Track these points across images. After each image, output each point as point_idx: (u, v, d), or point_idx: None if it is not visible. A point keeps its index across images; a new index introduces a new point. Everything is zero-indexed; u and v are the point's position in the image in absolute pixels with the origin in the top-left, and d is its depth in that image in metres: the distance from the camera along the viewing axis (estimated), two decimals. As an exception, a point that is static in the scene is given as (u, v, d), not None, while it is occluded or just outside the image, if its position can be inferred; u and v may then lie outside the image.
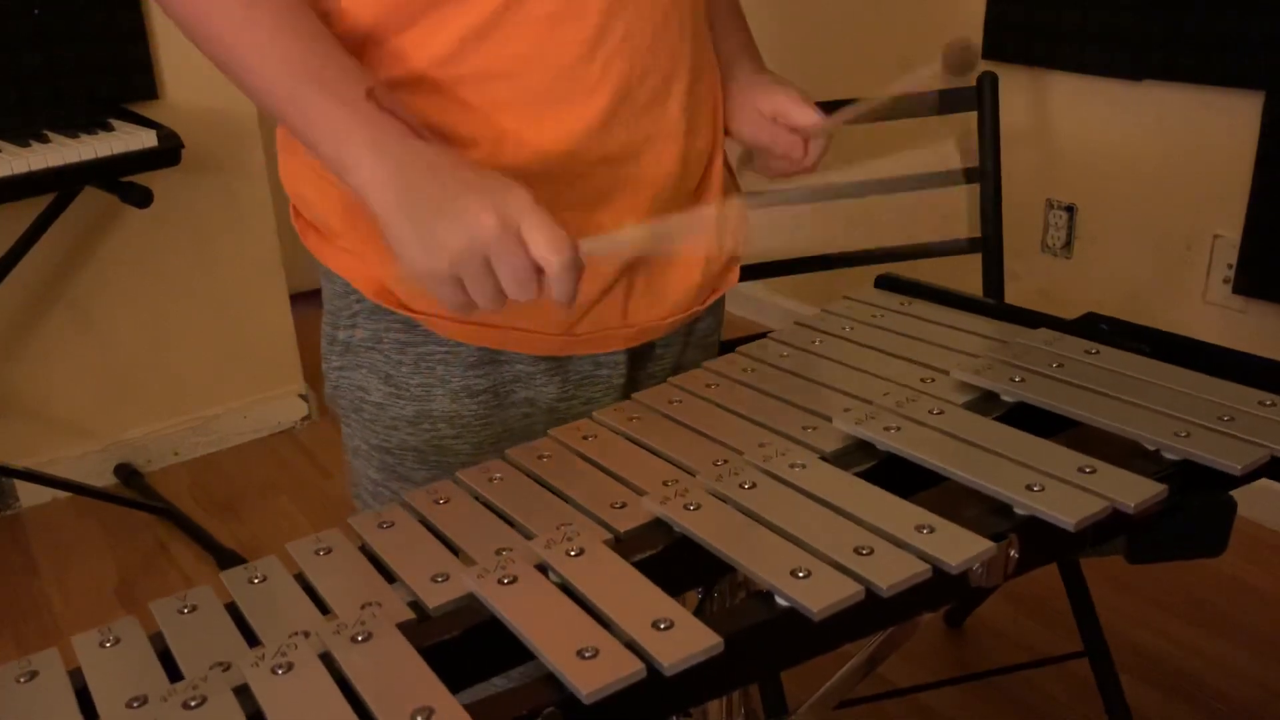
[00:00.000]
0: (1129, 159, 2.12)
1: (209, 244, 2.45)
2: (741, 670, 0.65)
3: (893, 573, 0.62)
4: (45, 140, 1.93)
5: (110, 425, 2.43)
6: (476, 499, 0.76)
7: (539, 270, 0.70)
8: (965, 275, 1.58)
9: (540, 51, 0.79)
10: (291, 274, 2.58)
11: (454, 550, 0.70)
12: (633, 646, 0.57)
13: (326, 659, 0.59)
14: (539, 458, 0.80)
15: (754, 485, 0.73)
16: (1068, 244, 2.26)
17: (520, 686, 0.57)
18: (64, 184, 1.98)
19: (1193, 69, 1.96)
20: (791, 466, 0.75)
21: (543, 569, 0.66)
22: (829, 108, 0.95)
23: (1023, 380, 0.85)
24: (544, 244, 0.69)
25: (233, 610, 0.66)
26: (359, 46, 0.81)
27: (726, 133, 0.98)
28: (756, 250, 0.86)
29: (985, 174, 1.58)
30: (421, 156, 0.73)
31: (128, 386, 2.43)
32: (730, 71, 0.97)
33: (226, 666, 0.59)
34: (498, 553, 0.67)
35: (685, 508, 0.71)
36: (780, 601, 0.62)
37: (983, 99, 1.56)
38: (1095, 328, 0.93)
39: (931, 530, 0.66)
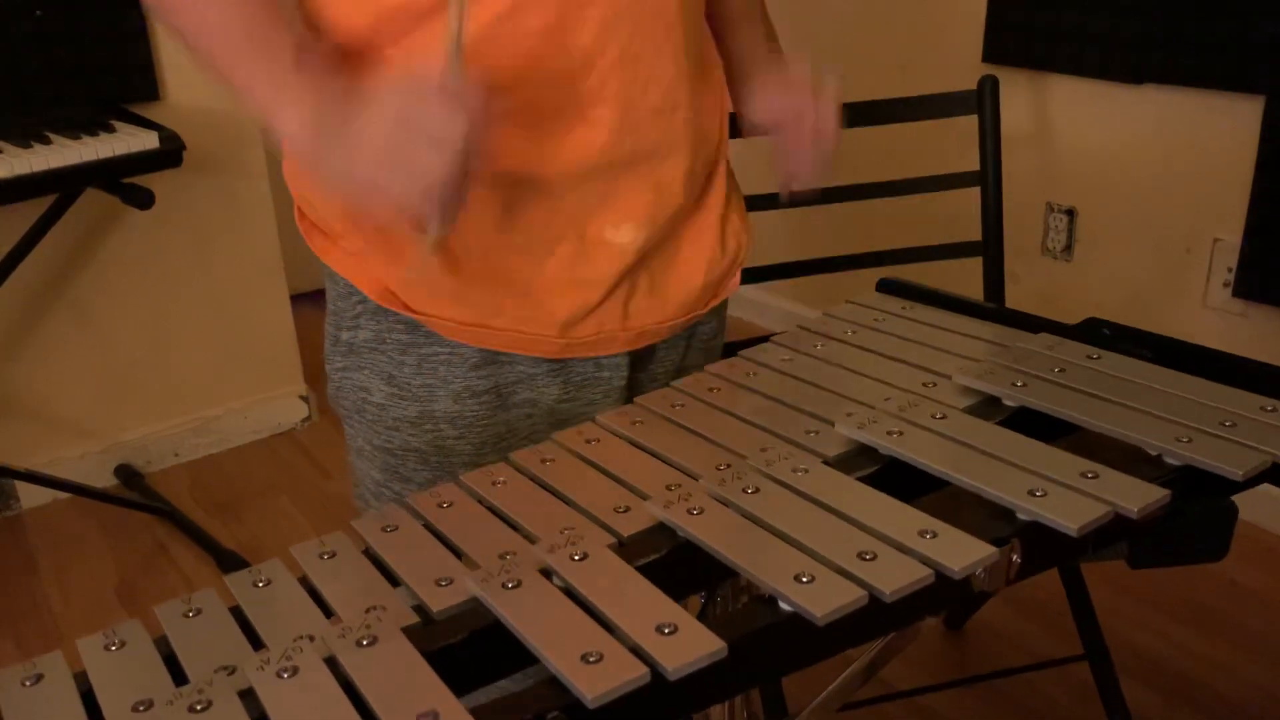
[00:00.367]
0: (1129, 162, 2.12)
1: (210, 245, 2.45)
2: (745, 675, 0.65)
3: (896, 578, 0.62)
4: (47, 141, 1.93)
5: (111, 426, 2.43)
6: (480, 502, 0.76)
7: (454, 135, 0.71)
8: (966, 278, 1.59)
9: (536, 64, 0.79)
10: (292, 275, 2.58)
11: (458, 554, 0.70)
12: (637, 651, 0.57)
13: (331, 663, 0.59)
14: (542, 461, 0.80)
15: (757, 490, 0.73)
16: (1068, 247, 2.27)
17: (524, 690, 0.57)
18: (65, 185, 1.97)
19: (1193, 73, 1.96)
20: (794, 471, 0.75)
21: (547, 573, 0.66)
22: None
23: (1025, 385, 0.85)
24: (442, 116, 0.70)
25: (237, 614, 0.66)
26: (350, 59, 0.81)
27: (735, 128, 0.98)
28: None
29: (986, 177, 1.58)
30: (334, 89, 0.76)
31: (128, 387, 2.44)
32: (752, 63, 0.99)
33: (231, 670, 0.59)
34: (502, 556, 0.68)
35: (688, 512, 0.71)
36: (784, 606, 0.62)
37: (983, 102, 1.57)
38: (1097, 332, 0.94)
39: (934, 535, 0.66)
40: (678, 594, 0.63)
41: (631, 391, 0.95)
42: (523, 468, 0.80)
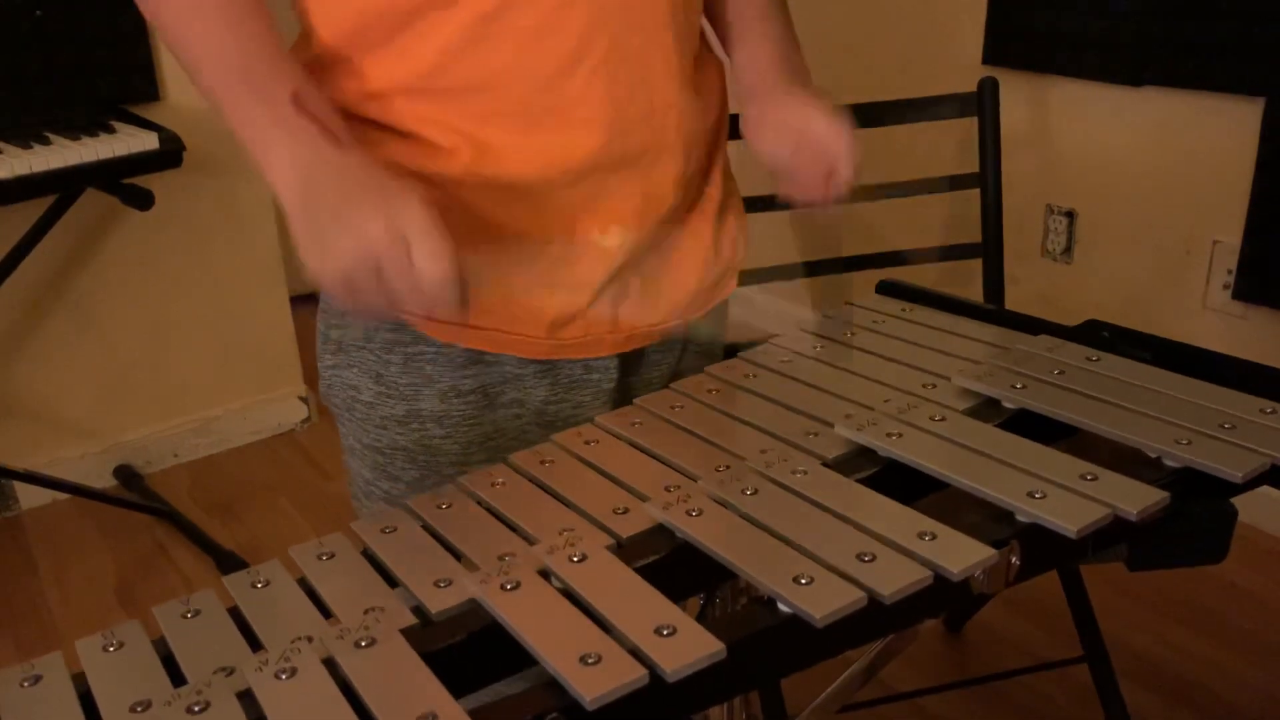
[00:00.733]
0: (1129, 164, 2.12)
1: (210, 246, 2.45)
2: (744, 677, 0.65)
3: (895, 579, 0.62)
4: (46, 142, 1.93)
5: (110, 426, 2.43)
6: (479, 504, 0.76)
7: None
8: (966, 280, 1.59)
9: (521, 65, 0.79)
10: (292, 275, 2.58)
11: (457, 555, 0.70)
12: (635, 653, 0.57)
13: (330, 664, 0.59)
14: (541, 462, 0.80)
15: (756, 491, 0.73)
16: (1068, 249, 2.27)
17: (523, 692, 0.57)
18: (65, 186, 1.97)
19: (1193, 75, 1.96)
20: (793, 472, 0.75)
21: (545, 574, 0.66)
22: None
23: (1024, 387, 0.85)
24: (425, 257, 0.70)
25: (235, 615, 0.66)
26: (335, 61, 0.81)
27: (734, 129, 0.96)
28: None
29: (986, 179, 1.58)
30: (331, 163, 0.74)
31: (128, 388, 2.43)
32: (759, 87, 0.93)
33: (230, 671, 0.59)
34: (500, 558, 0.68)
35: (687, 513, 0.71)
36: (783, 608, 0.62)
37: (983, 104, 1.57)
38: (1097, 334, 0.94)
39: (933, 537, 0.66)
40: (677, 596, 0.63)
41: (622, 394, 0.95)
42: (521, 469, 0.80)
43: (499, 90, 0.80)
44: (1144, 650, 1.78)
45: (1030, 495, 0.70)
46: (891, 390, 0.87)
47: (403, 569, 0.68)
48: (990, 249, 1.59)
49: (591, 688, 0.55)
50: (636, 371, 0.97)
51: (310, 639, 0.61)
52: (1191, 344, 0.90)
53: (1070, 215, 2.25)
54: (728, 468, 0.77)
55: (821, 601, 0.61)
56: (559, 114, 0.81)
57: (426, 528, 0.74)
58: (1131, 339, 0.92)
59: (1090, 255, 2.24)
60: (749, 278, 1.19)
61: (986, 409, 0.84)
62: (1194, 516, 0.73)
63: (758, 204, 1.35)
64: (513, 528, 0.72)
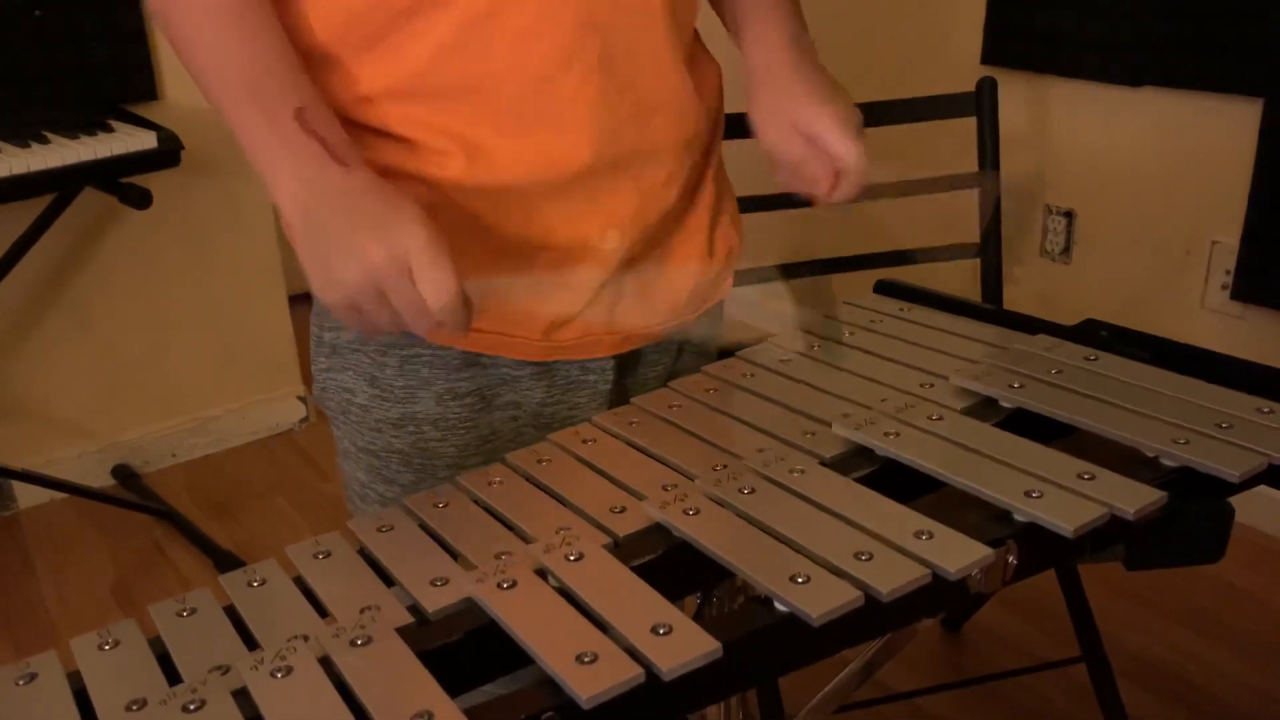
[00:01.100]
0: (1128, 165, 2.12)
1: (208, 245, 2.45)
2: (740, 676, 0.65)
3: (892, 578, 0.62)
4: (45, 141, 1.93)
5: (108, 426, 2.43)
6: (476, 503, 0.76)
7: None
8: (964, 280, 1.59)
9: (513, 66, 0.79)
10: (290, 276, 2.58)
11: (453, 554, 0.70)
12: (632, 652, 0.57)
13: (325, 663, 0.59)
14: (539, 462, 0.80)
15: (753, 490, 0.73)
16: (1066, 249, 2.27)
17: (519, 691, 0.57)
18: (63, 185, 1.97)
19: (1191, 75, 1.96)
20: (791, 472, 0.75)
21: (542, 573, 0.66)
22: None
23: (1022, 386, 0.85)
24: (429, 284, 0.70)
25: (231, 613, 0.66)
26: (325, 64, 0.80)
27: (732, 129, 0.95)
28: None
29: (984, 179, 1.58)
30: (334, 185, 0.73)
31: (126, 387, 2.43)
32: (768, 71, 0.91)
33: (225, 670, 0.59)
34: (497, 557, 0.67)
35: (684, 512, 0.71)
36: (779, 607, 0.62)
37: (982, 104, 1.57)
38: (1094, 334, 0.94)
39: (930, 536, 0.66)
40: (674, 594, 0.63)
41: (618, 395, 0.94)
42: (518, 468, 0.80)
43: (490, 91, 0.79)
44: (1142, 650, 1.78)
45: (1027, 495, 0.70)
46: (889, 389, 0.87)
47: (399, 568, 0.68)
48: (989, 249, 1.59)
49: (587, 686, 0.55)
50: (633, 373, 0.97)
51: (306, 638, 0.61)
52: (1190, 344, 0.90)
53: (1069, 215, 2.25)
54: (725, 467, 0.77)
55: (818, 600, 0.61)
56: (551, 116, 0.80)
57: (423, 526, 0.73)
58: (1129, 338, 0.92)
59: (1089, 255, 2.24)
60: (748, 277, 1.19)
61: (984, 408, 0.84)
62: (1191, 516, 0.73)
63: (753, 203, 1.35)
64: (510, 526, 0.72)
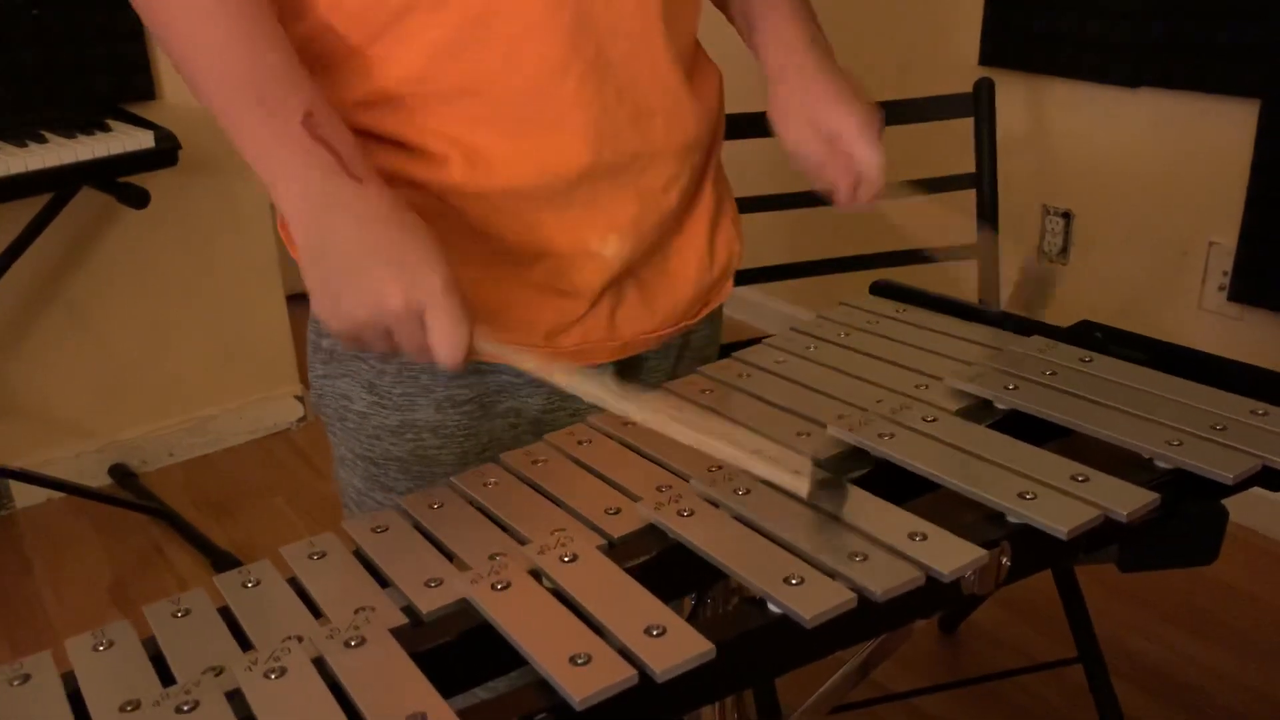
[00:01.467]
0: (1126, 166, 2.12)
1: (206, 245, 2.45)
2: (734, 677, 0.65)
3: (886, 580, 0.62)
4: (42, 140, 1.93)
5: (106, 425, 2.43)
6: (470, 504, 0.76)
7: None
8: (962, 281, 1.59)
9: (510, 69, 0.78)
10: (288, 275, 2.58)
11: (448, 555, 0.70)
12: (625, 653, 0.57)
13: (319, 664, 0.59)
14: (533, 463, 0.80)
15: (748, 491, 0.73)
16: (1064, 250, 2.27)
17: (512, 692, 0.57)
18: (61, 184, 1.97)
19: (1189, 77, 1.96)
20: (785, 473, 0.75)
21: (536, 575, 0.66)
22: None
23: (1016, 388, 0.85)
24: (442, 338, 0.69)
25: (226, 614, 0.66)
26: (323, 65, 0.79)
27: (732, 128, 0.94)
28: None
29: (982, 180, 1.59)
30: (346, 203, 0.71)
31: (124, 387, 2.43)
32: (790, 70, 0.90)
33: (219, 671, 0.59)
34: (491, 558, 0.67)
35: (679, 514, 0.71)
36: (773, 608, 0.62)
37: (980, 105, 1.57)
38: (1089, 335, 0.94)
39: (924, 538, 0.66)
40: (668, 596, 0.63)
41: None
42: (513, 469, 0.80)
43: (487, 94, 0.79)
44: (1138, 651, 1.78)
45: (1021, 496, 0.70)
46: (884, 391, 0.87)
47: (393, 569, 0.68)
48: (986, 250, 1.59)
49: (581, 688, 0.55)
50: (634, 378, 0.96)
51: (300, 638, 0.61)
52: (1185, 345, 0.90)
53: (1067, 216, 2.25)
54: (720, 468, 0.76)
55: (812, 602, 0.61)
56: (549, 119, 0.80)
57: (418, 527, 0.73)
58: (1124, 340, 0.92)
59: (1087, 256, 2.24)
60: (745, 278, 1.19)
61: (978, 410, 0.84)
62: (1185, 518, 0.74)
63: (753, 204, 1.35)
64: (504, 528, 0.72)
